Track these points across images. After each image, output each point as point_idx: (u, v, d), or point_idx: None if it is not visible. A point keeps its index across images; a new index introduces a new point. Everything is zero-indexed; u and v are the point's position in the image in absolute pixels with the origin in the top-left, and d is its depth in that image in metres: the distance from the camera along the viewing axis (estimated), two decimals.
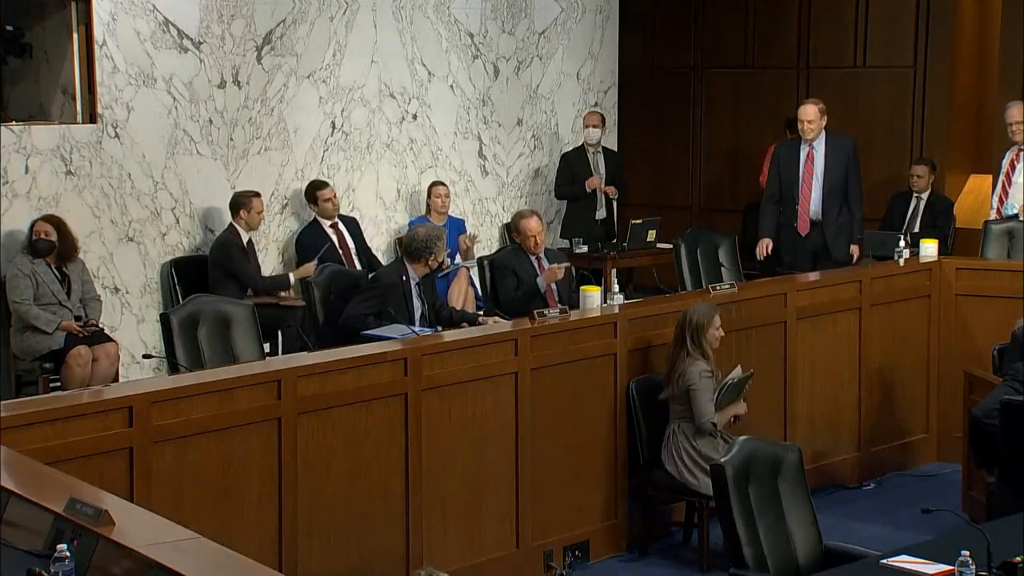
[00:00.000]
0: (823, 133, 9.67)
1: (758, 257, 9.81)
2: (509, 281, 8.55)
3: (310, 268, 9.17)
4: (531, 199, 11.56)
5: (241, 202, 9.30)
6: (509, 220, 11.29)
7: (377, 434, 6.34)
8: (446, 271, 9.73)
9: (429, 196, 10.47)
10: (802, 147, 9.69)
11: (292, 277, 9.35)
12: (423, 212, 10.55)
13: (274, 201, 9.88)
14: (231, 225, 9.34)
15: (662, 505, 7.49)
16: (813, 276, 8.91)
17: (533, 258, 8.60)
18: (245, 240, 9.31)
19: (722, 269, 10.05)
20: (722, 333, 7.27)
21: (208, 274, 9.22)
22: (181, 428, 5.63)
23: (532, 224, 8.59)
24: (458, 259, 10.37)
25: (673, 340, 7.24)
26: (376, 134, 10.56)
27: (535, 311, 7.22)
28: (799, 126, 9.71)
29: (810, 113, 9.62)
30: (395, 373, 6.42)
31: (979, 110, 11.84)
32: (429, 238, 8.14)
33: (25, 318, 8.32)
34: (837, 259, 9.63)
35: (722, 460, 5.27)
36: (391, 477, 6.39)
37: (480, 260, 9.71)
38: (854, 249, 9.71)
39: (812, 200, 9.64)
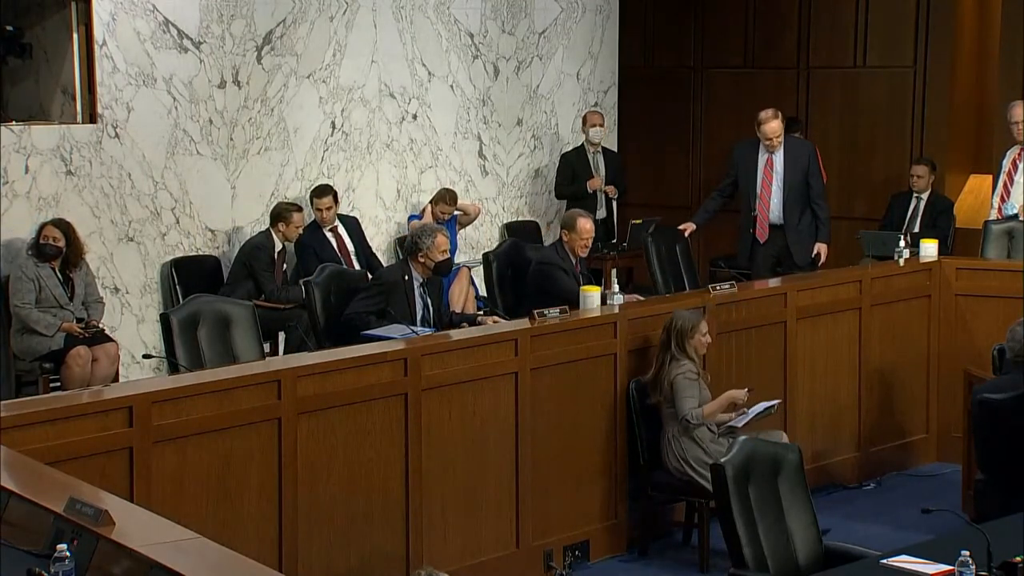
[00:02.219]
0: None
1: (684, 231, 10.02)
2: (561, 275, 8.37)
3: None
4: (531, 199, 11.56)
5: (282, 215, 9.45)
6: (509, 220, 11.33)
7: (377, 434, 6.33)
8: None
9: (436, 204, 10.36)
10: (761, 153, 9.66)
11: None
12: (419, 210, 10.53)
13: (274, 201, 9.88)
14: (268, 231, 9.44)
15: (662, 505, 7.49)
16: (813, 276, 8.91)
17: (574, 260, 8.56)
18: (277, 249, 9.40)
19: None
20: (708, 339, 7.29)
21: (230, 268, 9.40)
22: (181, 428, 5.63)
23: (588, 226, 8.49)
24: (459, 258, 10.35)
25: (660, 345, 7.27)
26: (376, 134, 10.56)
27: (535, 311, 7.22)
28: (766, 142, 9.62)
29: (777, 128, 9.61)
30: (395, 373, 6.42)
31: (979, 110, 11.84)
32: (417, 233, 8.12)
33: (25, 322, 8.32)
34: (799, 263, 9.62)
35: (722, 460, 5.28)
36: (391, 477, 6.39)
37: (485, 256, 9.70)
38: (820, 248, 9.67)
39: (772, 206, 9.64)
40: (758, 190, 9.66)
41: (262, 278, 9.26)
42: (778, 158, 9.64)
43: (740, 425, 7.12)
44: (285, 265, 9.57)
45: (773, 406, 7.33)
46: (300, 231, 9.53)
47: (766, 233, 9.68)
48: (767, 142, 9.62)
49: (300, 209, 9.57)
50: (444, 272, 8.23)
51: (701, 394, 7.18)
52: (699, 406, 7.12)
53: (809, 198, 9.67)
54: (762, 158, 9.67)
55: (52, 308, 8.38)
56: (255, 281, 9.27)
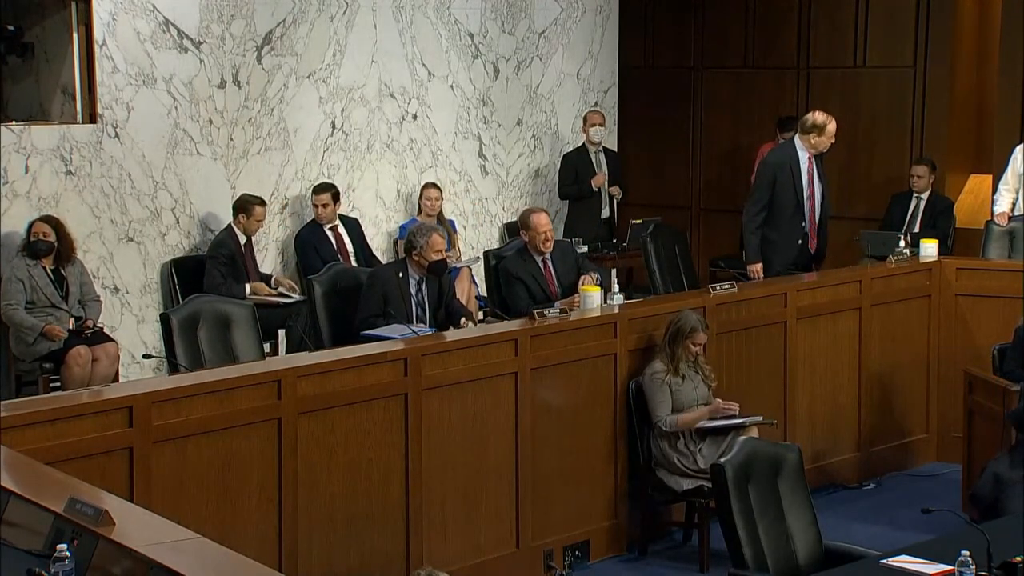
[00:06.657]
0: None
1: (755, 277, 8.97)
2: (519, 290, 8.38)
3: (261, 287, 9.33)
4: (531, 199, 11.55)
5: (243, 207, 9.32)
6: (509, 220, 11.33)
7: (377, 434, 6.34)
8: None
9: (421, 196, 10.47)
10: (803, 159, 8.97)
11: (248, 288, 9.21)
12: (416, 213, 10.55)
13: (274, 201, 9.88)
14: (229, 226, 9.36)
15: (662, 505, 7.49)
16: (813, 276, 8.90)
17: (540, 260, 8.48)
18: (243, 240, 9.32)
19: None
20: (699, 350, 7.29)
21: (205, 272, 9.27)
22: (181, 428, 5.64)
23: (543, 219, 8.39)
24: (459, 258, 10.35)
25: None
26: (376, 134, 10.56)
27: (535, 311, 7.22)
28: (828, 147, 8.94)
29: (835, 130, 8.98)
30: (395, 373, 6.42)
31: (979, 110, 11.83)
32: (413, 233, 8.11)
33: (10, 323, 8.29)
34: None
35: (722, 460, 5.28)
36: (391, 477, 6.39)
37: (486, 254, 9.68)
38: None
39: (818, 216, 9.02)
40: (812, 199, 8.97)
41: (209, 272, 9.07)
42: (814, 164, 9.00)
43: (706, 427, 7.16)
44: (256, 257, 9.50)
45: (746, 422, 7.17)
46: (261, 224, 9.40)
47: (815, 242, 9.05)
48: (827, 148, 8.97)
49: (263, 203, 9.40)
50: (439, 272, 8.14)
51: (676, 396, 7.21)
52: (672, 411, 7.18)
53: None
54: (804, 165, 8.97)
55: (47, 308, 8.37)
56: (233, 276, 9.12)
